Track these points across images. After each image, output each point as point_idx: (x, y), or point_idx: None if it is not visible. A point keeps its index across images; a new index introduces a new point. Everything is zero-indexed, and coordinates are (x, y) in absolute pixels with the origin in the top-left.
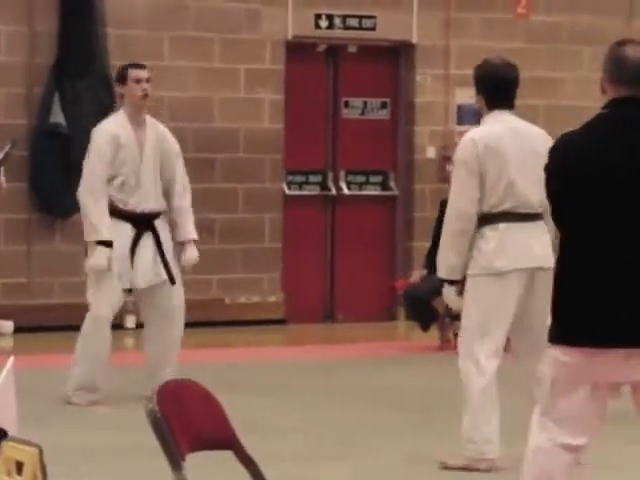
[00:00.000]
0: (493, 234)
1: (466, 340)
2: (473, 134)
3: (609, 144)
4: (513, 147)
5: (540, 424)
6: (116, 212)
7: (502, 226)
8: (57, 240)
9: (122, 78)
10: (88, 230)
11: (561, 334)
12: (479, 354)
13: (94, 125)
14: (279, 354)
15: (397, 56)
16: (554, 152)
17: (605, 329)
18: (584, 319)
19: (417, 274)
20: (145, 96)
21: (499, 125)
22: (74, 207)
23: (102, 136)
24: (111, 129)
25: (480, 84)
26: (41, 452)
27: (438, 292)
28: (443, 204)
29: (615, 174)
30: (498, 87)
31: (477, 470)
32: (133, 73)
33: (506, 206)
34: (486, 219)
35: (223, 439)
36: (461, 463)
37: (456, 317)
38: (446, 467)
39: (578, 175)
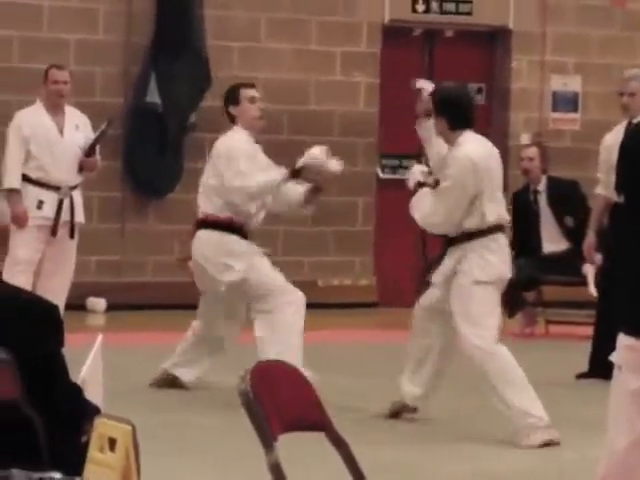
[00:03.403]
0: None
1: None
2: None
3: None
4: None
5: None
6: None
7: None
8: (150, 219)
9: (234, 99)
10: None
11: (625, 324)
12: None
13: (189, 105)
14: (371, 337)
15: (493, 41)
16: (629, 133)
17: None
18: None
19: None
20: (261, 117)
21: None
22: (168, 187)
23: (240, 141)
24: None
25: None
26: (134, 429)
27: (527, 286)
28: (515, 197)
29: None
30: None
31: None
32: (246, 92)
33: None
34: None
35: (315, 420)
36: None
37: (548, 305)
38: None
39: None
